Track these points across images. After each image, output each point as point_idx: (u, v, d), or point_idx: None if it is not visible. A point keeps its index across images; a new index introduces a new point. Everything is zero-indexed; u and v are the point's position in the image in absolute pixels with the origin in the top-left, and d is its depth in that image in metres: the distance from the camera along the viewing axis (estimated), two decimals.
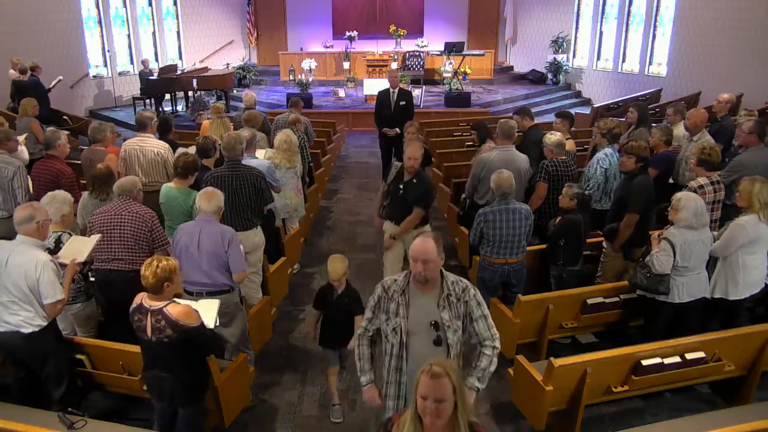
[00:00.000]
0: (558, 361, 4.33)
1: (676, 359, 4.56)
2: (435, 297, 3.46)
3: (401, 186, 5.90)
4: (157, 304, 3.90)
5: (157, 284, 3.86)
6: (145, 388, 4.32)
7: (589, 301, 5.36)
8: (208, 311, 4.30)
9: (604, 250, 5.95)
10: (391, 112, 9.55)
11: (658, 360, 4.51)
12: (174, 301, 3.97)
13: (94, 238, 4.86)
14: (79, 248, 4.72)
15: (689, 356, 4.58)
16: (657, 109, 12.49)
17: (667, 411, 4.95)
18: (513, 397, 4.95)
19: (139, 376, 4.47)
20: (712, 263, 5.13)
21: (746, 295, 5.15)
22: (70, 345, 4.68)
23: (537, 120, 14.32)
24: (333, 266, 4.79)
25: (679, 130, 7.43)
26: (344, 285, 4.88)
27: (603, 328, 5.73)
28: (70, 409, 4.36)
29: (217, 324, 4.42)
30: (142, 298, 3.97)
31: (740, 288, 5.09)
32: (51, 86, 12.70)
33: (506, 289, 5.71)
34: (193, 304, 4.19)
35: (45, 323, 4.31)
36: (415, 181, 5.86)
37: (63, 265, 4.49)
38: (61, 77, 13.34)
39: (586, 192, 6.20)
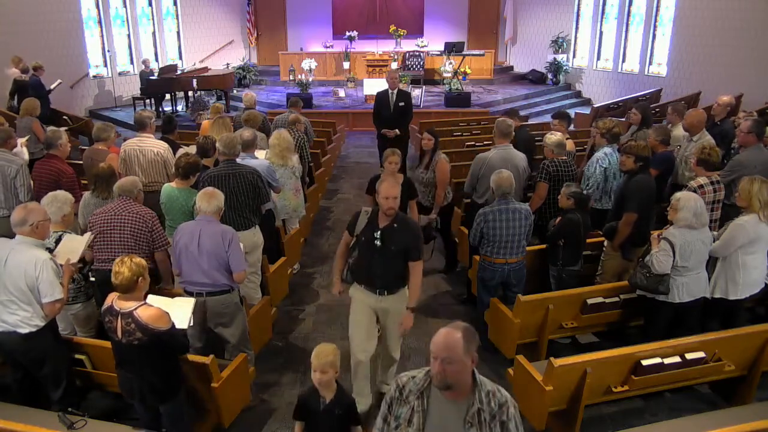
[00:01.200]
0: (558, 361, 4.33)
1: (676, 359, 4.56)
2: (463, 408, 2.74)
3: (377, 235, 4.54)
4: (127, 307, 3.86)
5: (132, 279, 3.84)
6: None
7: (589, 301, 5.36)
8: (182, 310, 4.29)
9: (604, 249, 5.95)
10: (390, 113, 9.53)
11: (658, 360, 4.50)
12: (146, 303, 3.94)
13: (86, 236, 4.87)
14: (72, 248, 4.73)
15: (689, 356, 4.58)
16: (657, 110, 12.48)
17: (667, 411, 4.95)
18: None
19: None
20: (711, 263, 5.13)
21: (746, 295, 5.15)
22: (70, 345, 4.68)
23: (538, 120, 14.42)
24: (319, 351, 3.60)
25: (679, 130, 7.44)
26: (334, 390, 3.67)
27: (603, 328, 5.73)
28: (69, 409, 4.37)
29: (191, 324, 4.43)
30: (112, 300, 3.94)
31: (740, 288, 5.09)
32: (51, 88, 12.70)
33: (506, 289, 5.71)
34: (168, 303, 4.19)
35: (43, 323, 4.30)
36: (396, 225, 4.54)
37: (61, 266, 4.49)
38: (60, 80, 13.33)
39: (586, 191, 6.20)
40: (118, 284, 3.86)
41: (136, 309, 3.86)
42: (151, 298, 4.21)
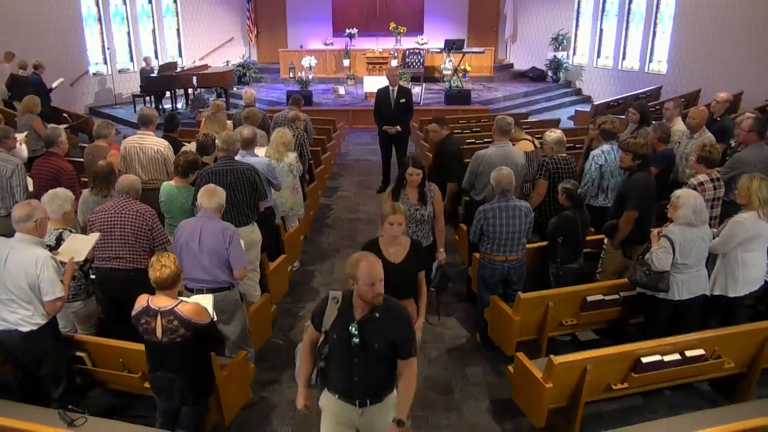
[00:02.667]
0: (558, 359, 4.33)
1: (676, 357, 4.56)
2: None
3: (353, 330, 3.43)
4: (166, 305, 3.89)
5: (177, 273, 3.90)
6: (146, 385, 4.32)
7: (589, 299, 5.36)
8: (207, 306, 4.32)
9: (604, 247, 5.96)
10: (391, 110, 9.54)
11: (657, 357, 4.51)
12: (183, 300, 3.98)
13: (94, 236, 4.86)
14: (77, 247, 4.72)
15: (689, 354, 4.59)
16: (657, 107, 12.48)
17: (667, 408, 4.96)
18: (513, 395, 4.95)
19: (139, 374, 4.48)
20: (711, 260, 5.13)
21: (746, 293, 5.15)
22: (70, 342, 4.69)
23: (537, 118, 14.41)
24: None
25: (678, 125, 7.44)
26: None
27: (603, 326, 5.74)
28: (70, 407, 4.37)
29: (215, 318, 4.44)
30: (147, 300, 3.94)
31: (739, 285, 5.10)
32: (53, 87, 12.70)
33: (506, 287, 5.71)
34: (196, 300, 4.21)
35: (44, 322, 4.30)
36: (378, 315, 3.44)
37: (62, 263, 4.49)
38: (62, 79, 13.33)
39: (582, 189, 6.21)
40: (163, 279, 3.87)
41: (176, 306, 3.89)
42: None
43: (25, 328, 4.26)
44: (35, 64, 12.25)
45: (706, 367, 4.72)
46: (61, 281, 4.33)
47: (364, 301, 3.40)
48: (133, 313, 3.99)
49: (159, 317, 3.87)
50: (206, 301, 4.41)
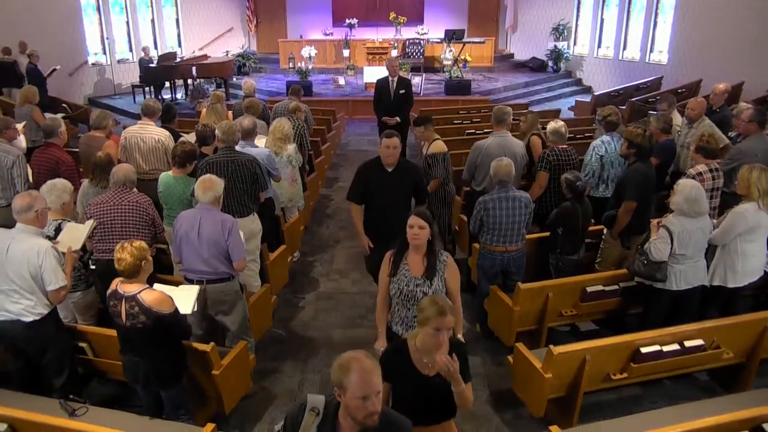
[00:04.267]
0: (557, 349, 4.34)
1: (675, 347, 4.57)
2: None
3: None
4: (131, 290, 3.93)
5: (136, 263, 3.90)
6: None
7: (589, 289, 5.37)
8: (186, 297, 4.34)
9: (603, 237, 5.96)
10: (391, 100, 9.51)
11: (656, 348, 4.52)
12: (148, 288, 4.00)
13: (88, 224, 4.87)
14: (74, 236, 4.74)
15: (688, 344, 4.60)
16: (658, 97, 12.45)
17: (666, 398, 4.97)
18: (512, 385, 4.97)
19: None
20: (711, 251, 5.13)
21: (745, 283, 5.16)
22: (72, 333, 4.70)
23: (538, 108, 14.36)
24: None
25: (677, 119, 7.42)
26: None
27: (602, 316, 5.75)
28: (71, 396, 4.39)
29: (195, 309, 4.49)
30: (117, 284, 4.01)
31: (739, 276, 5.10)
32: (47, 74, 12.66)
33: (506, 277, 5.71)
34: (173, 290, 4.23)
35: (46, 312, 4.32)
36: None
37: (62, 253, 4.50)
38: (58, 66, 13.28)
39: (583, 179, 6.20)
40: (121, 270, 3.91)
41: (139, 292, 3.92)
42: (156, 286, 4.23)
43: (28, 318, 4.27)
44: (29, 53, 12.21)
45: (705, 357, 4.73)
46: (63, 270, 4.34)
47: (354, 420, 2.60)
48: (107, 293, 4.06)
49: (123, 302, 3.92)
50: (189, 292, 4.43)
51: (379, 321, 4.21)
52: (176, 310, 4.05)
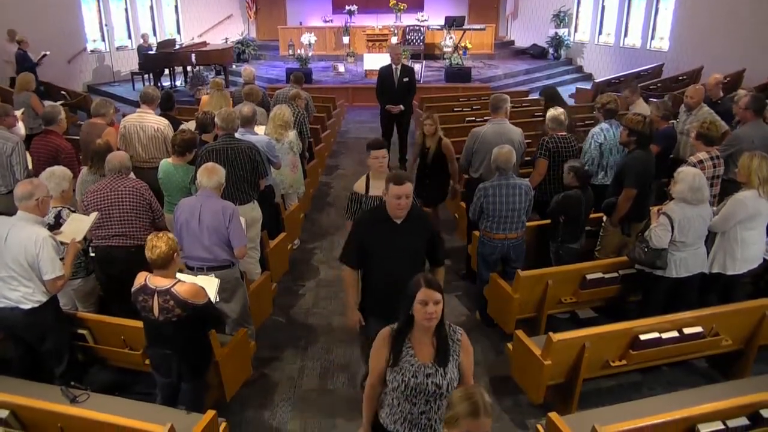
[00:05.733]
0: (557, 336, 4.36)
1: (674, 334, 4.59)
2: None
3: None
4: (163, 284, 3.90)
5: (170, 253, 3.89)
6: (147, 362, 4.35)
7: (588, 277, 5.38)
8: (209, 287, 4.32)
9: (603, 225, 5.96)
10: (395, 89, 9.46)
11: (656, 335, 4.54)
12: (180, 280, 3.99)
13: (93, 216, 4.86)
14: (77, 227, 4.73)
15: (687, 331, 4.61)
16: (659, 84, 12.42)
17: (665, 385, 5.00)
18: (512, 372, 4.99)
19: (141, 351, 4.50)
20: (711, 238, 5.14)
21: (744, 270, 5.17)
22: (72, 320, 4.71)
23: (538, 96, 14.29)
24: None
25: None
26: None
27: (602, 303, 5.76)
28: (72, 383, 4.41)
29: (217, 300, 4.46)
30: (145, 278, 3.96)
31: (738, 263, 5.11)
32: (37, 61, 12.58)
33: (506, 265, 5.72)
34: (193, 281, 4.21)
35: (45, 299, 4.31)
36: None
37: (63, 244, 4.50)
38: (47, 52, 13.16)
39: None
40: (155, 259, 3.88)
41: (173, 286, 3.90)
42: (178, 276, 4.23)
43: (27, 306, 4.27)
44: (18, 39, 12.14)
45: (704, 344, 4.74)
46: (62, 260, 4.33)
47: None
48: (132, 290, 4.01)
49: (156, 296, 3.89)
50: (210, 282, 4.42)
51: (367, 414, 3.30)
52: (209, 299, 4.07)
